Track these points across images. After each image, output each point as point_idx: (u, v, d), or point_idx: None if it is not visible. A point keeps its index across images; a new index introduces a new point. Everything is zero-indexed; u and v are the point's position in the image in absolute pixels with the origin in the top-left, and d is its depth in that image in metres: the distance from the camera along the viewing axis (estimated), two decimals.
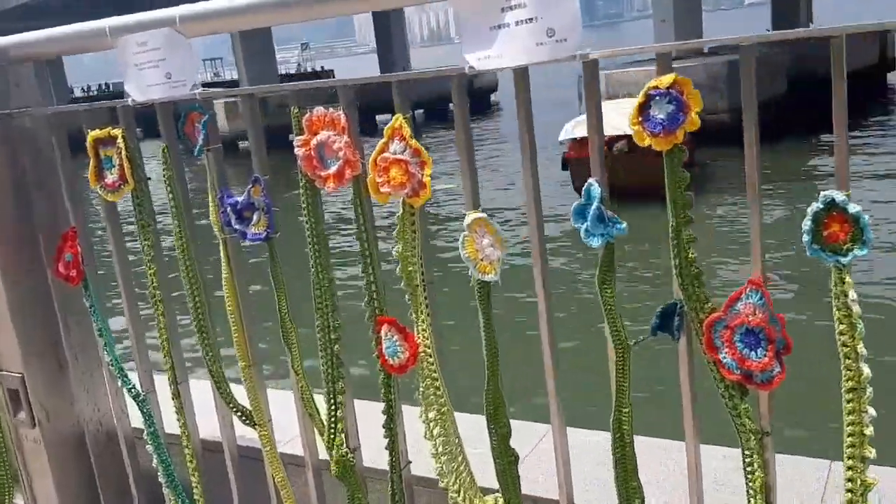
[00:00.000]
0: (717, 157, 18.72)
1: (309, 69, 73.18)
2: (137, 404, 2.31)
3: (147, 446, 2.35)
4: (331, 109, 1.78)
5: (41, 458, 2.47)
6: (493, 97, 49.00)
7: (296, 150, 1.80)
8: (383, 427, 1.90)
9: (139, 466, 2.50)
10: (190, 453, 2.27)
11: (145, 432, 2.33)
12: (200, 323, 2.11)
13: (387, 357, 1.82)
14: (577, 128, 22.04)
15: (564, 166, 21.58)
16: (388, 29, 51.69)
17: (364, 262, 1.82)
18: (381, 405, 1.89)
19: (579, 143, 22.07)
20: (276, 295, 1.98)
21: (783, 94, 26.03)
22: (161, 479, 2.35)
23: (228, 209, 1.98)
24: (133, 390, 2.31)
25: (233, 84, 57.31)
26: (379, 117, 31.36)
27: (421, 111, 39.60)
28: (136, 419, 2.47)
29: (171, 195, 2.07)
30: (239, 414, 2.16)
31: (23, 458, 2.53)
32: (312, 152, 1.80)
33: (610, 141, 18.46)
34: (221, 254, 2.05)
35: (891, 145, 22.41)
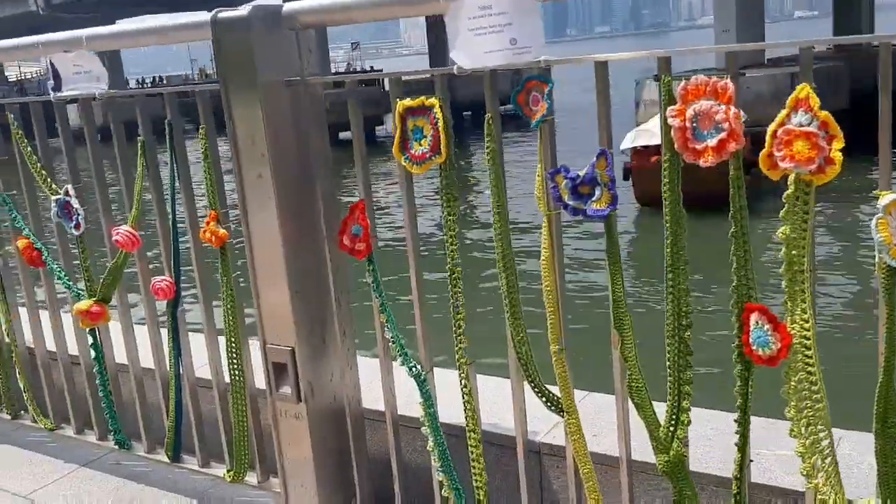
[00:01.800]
0: None
1: (358, 68, 73.51)
2: (418, 384, 2.23)
3: (423, 428, 2.26)
4: (713, 77, 1.68)
5: (302, 434, 2.40)
6: None
7: (669, 120, 1.70)
8: (735, 421, 1.79)
9: (401, 450, 2.42)
10: (476, 439, 2.18)
11: (422, 414, 2.25)
12: (512, 303, 2.02)
13: (754, 347, 1.70)
14: (639, 137, 21.72)
15: (626, 176, 21.28)
16: (440, 31, 51.15)
17: (736, 243, 1.70)
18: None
19: (642, 152, 21.74)
20: (611, 277, 1.88)
21: (845, 109, 25.18)
22: (435, 464, 2.26)
23: (563, 184, 1.88)
24: (414, 369, 2.23)
25: None
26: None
27: (469, 113, 37.41)
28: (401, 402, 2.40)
29: (492, 170, 1.99)
30: (544, 399, 2.06)
31: (277, 435, 2.46)
32: (687, 123, 1.69)
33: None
34: (544, 231, 1.96)
35: None
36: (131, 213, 2.68)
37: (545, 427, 2.49)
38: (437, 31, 51.43)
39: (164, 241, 2.68)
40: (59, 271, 2.96)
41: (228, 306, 2.56)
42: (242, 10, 2.15)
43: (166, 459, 2.94)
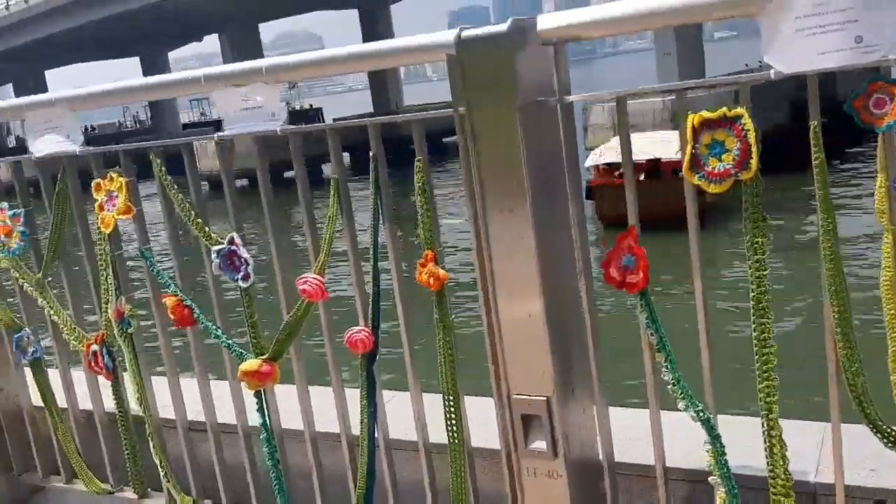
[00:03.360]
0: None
1: (297, 107, 73.57)
2: (707, 429, 2.01)
3: (711, 479, 2.04)
4: None
5: (558, 494, 2.15)
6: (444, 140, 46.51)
7: None
8: None
9: None
10: (785, 487, 1.95)
11: (710, 462, 2.02)
12: (845, 329, 1.82)
13: None
14: (604, 154, 21.83)
15: (588, 194, 21.26)
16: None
17: None
18: None
19: (605, 170, 21.85)
20: None
21: (788, 122, 25.49)
22: None
23: None
24: (702, 413, 2.00)
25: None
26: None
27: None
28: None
29: (820, 183, 1.79)
30: (883, 438, 1.86)
31: (521, 497, 2.20)
32: None
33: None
34: (885, 249, 1.77)
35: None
36: (319, 258, 2.41)
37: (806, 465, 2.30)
38: (376, 70, 51.22)
39: (359, 287, 2.42)
40: (216, 329, 2.66)
41: (446, 356, 2.30)
42: (500, 27, 1.94)
43: None
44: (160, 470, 2.93)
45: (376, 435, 2.50)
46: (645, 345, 2.06)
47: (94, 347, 2.91)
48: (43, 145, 2.79)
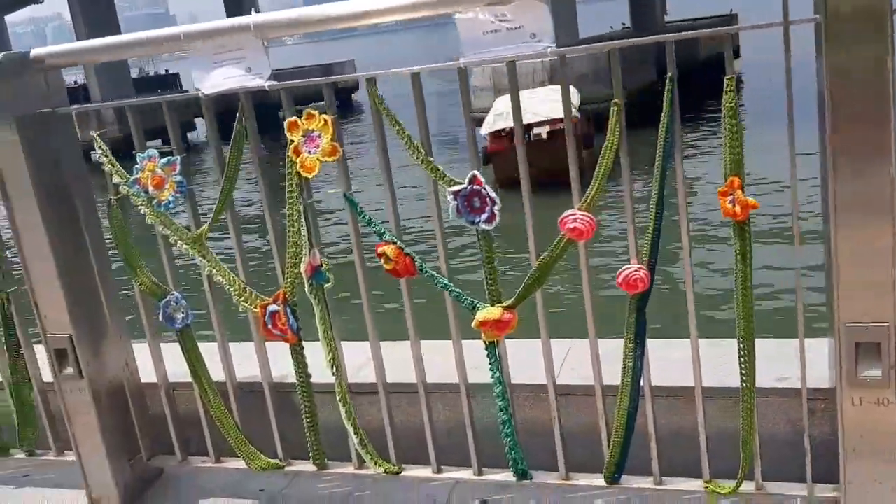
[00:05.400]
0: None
1: (152, 73, 70.40)
2: None
3: None
4: None
5: (888, 420, 2.08)
6: (354, 97, 47.31)
7: None
8: None
9: None
10: None
11: None
12: None
13: None
14: (498, 120, 21.95)
15: (486, 161, 21.38)
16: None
17: None
18: None
19: (500, 136, 22.00)
20: None
21: (652, 82, 26.31)
22: None
23: None
24: None
25: (82, 90, 53.23)
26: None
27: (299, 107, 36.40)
28: None
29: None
30: None
31: (842, 426, 2.12)
32: None
33: (528, 128, 18.74)
34: None
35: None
36: (589, 192, 2.22)
37: None
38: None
39: (631, 222, 2.24)
40: (443, 279, 2.42)
41: (744, 291, 2.17)
42: None
43: (600, 482, 2.48)
44: (354, 438, 2.67)
45: (640, 378, 2.35)
46: None
47: (274, 307, 2.60)
48: (217, 80, 2.44)
